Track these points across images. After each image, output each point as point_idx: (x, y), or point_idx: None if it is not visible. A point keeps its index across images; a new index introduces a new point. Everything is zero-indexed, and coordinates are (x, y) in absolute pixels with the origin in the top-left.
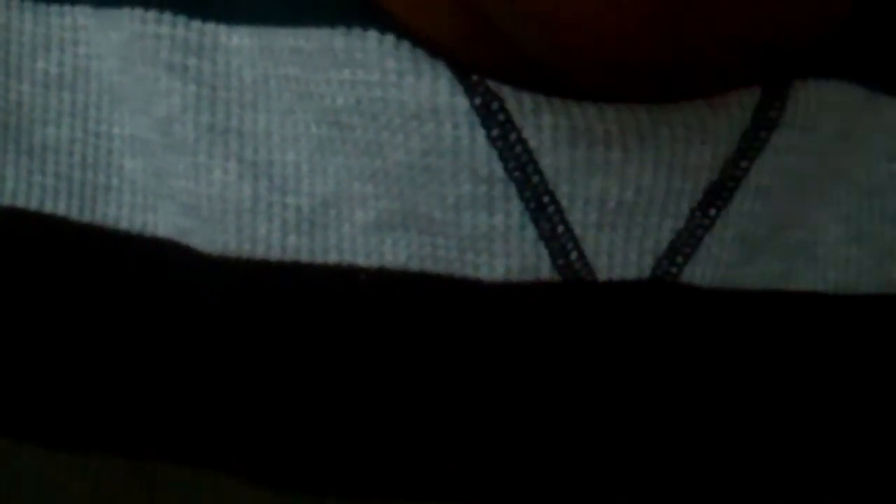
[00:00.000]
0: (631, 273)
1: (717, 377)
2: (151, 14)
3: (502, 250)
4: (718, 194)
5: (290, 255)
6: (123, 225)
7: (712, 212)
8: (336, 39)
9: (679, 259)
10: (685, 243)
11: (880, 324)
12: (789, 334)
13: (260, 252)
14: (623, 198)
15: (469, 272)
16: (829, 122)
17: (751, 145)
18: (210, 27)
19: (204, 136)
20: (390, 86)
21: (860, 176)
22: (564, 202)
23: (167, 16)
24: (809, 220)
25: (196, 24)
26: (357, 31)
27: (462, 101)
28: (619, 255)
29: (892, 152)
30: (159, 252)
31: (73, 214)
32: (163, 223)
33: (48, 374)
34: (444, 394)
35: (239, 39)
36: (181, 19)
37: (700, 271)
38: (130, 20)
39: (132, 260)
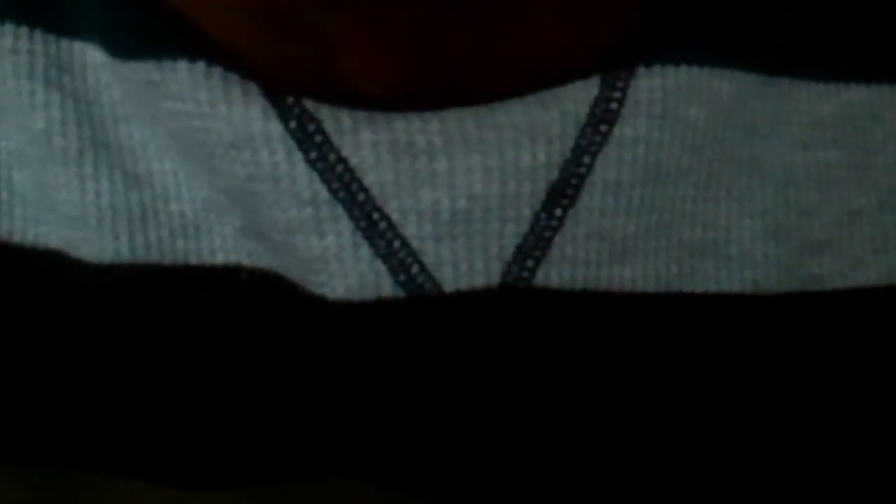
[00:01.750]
0: (479, 281)
1: (587, 380)
2: (24, 30)
3: (339, 271)
4: (562, 193)
5: (180, 259)
6: (16, 239)
7: (558, 212)
8: (152, 72)
9: (529, 263)
10: (534, 246)
11: (804, 322)
12: (694, 336)
13: (154, 257)
14: (456, 207)
15: (315, 290)
16: (695, 111)
17: (591, 140)
18: (78, 45)
19: (86, 148)
20: (206, 116)
21: (775, 168)
22: (396, 217)
23: (39, 32)
24: (717, 219)
25: (65, 42)
26: (168, 63)
27: (276, 127)
28: (463, 265)
29: (807, 141)
30: (51, 263)
31: None
32: (53, 235)
33: None
34: (309, 405)
35: (101, 58)
36: (51, 37)
37: (556, 273)
38: (2, 35)
39: (28, 272)
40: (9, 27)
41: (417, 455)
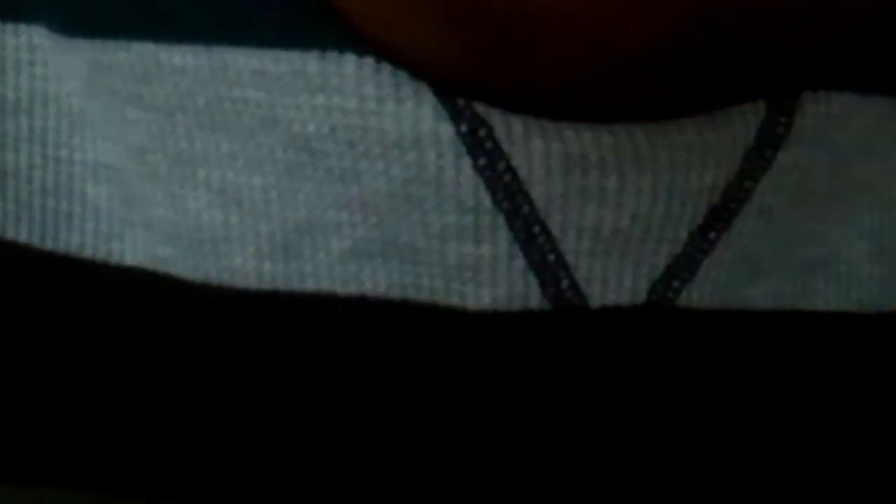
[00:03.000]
0: (624, 299)
1: (721, 400)
2: (98, 43)
3: (489, 280)
4: (719, 217)
5: (267, 284)
6: (87, 253)
7: (712, 235)
8: (309, 63)
9: (675, 283)
10: (683, 267)
11: None
12: (806, 354)
13: (239, 281)
14: (618, 225)
15: (455, 301)
16: (844, 136)
17: (755, 164)
18: (149, 48)
19: (174, 166)
20: (369, 113)
21: (883, 189)
22: (556, 232)
23: (111, 42)
24: (830, 237)
25: (136, 45)
26: (333, 56)
27: (447, 129)
28: (612, 282)
29: None
30: (125, 281)
31: (36, 241)
32: (130, 252)
33: (9, 406)
34: (430, 424)
35: (182, 59)
36: (122, 44)
37: (698, 294)
38: (84, 50)
39: (96, 288)
40: (88, 42)
41: (553, 466)
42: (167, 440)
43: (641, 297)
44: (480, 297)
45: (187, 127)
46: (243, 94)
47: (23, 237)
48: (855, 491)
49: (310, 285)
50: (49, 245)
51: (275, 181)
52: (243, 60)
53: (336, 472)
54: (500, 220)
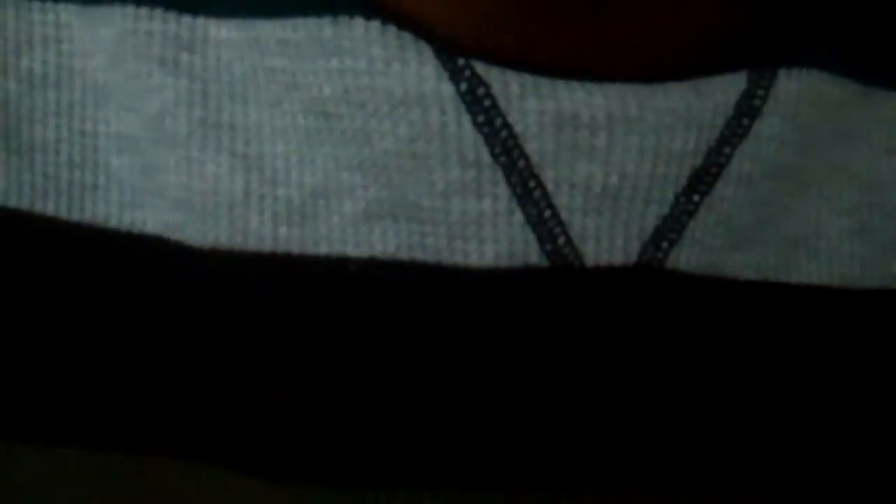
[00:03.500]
0: (618, 258)
1: (705, 363)
2: (143, 11)
3: (491, 236)
4: (702, 180)
5: (281, 247)
6: (112, 223)
7: (696, 198)
8: (324, 29)
9: (664, 244)
10: (670, 229)
11: (883, 317)
12: (788, 326)
13: (252, 244)
14: (608, 183)
15: (458, 259)
16: (812, 113)
17: (734, 132)
18: (200, 22)
19: (196, 131)
20: (377, 73)
21: (861, 171)
22: (550, 187)
23: (158, 12)
24: (809, 214)
25: (186, 19)
26: (344, 20)
27: (448, 87)
28: (605, 240)
29: (893, 147)
30: (148, 248)
31: (63, 213)
32: (151, 219)
33: (41, 372)
34: (436, 380)
35: (227, 33)
36: (172, 15)
37: (685, 257)
38: (122, 17)
39: (121, 257)
40: (129, 9)
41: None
42: (186, 399)
43: (633, 256)
44: (483, 253)
45: (218, 96)
46: (272, 63)
47: (50, 210)
48: (830, 459)
49: (323, 248)
50: (76, 216)
51: (295, 147)
52: (270, 30)
53: (348, 425)
54: (499, 174)
